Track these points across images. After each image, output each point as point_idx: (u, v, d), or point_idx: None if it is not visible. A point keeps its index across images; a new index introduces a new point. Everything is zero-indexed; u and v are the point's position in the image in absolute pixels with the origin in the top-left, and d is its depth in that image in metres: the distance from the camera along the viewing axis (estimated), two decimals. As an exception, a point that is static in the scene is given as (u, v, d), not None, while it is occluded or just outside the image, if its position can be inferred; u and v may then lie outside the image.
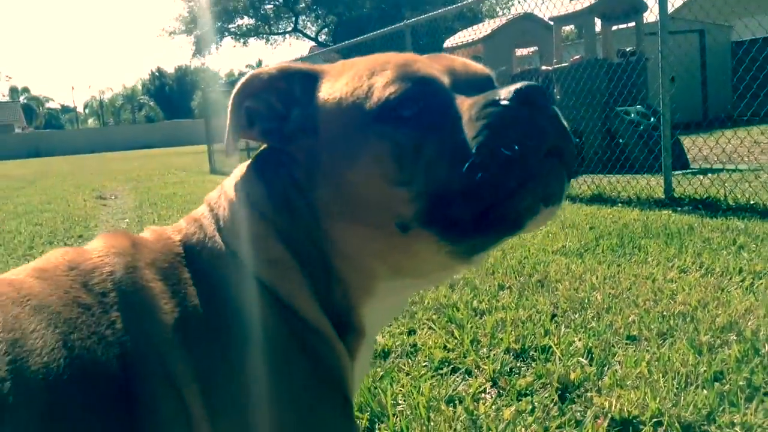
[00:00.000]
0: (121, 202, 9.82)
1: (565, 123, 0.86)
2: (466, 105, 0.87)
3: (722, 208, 4.89)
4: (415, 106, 0.87)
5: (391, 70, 0.90)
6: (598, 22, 9.36)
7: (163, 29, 35.35)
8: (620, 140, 8.48)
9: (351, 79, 0.93)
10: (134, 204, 9.24)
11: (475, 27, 10.65)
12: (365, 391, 2.06)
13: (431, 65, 0.94)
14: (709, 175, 5.77)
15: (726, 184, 5.29)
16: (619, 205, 5.57)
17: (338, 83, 0.95)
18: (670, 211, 5.00)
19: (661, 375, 2.04)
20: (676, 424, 1.74)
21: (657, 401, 1.84)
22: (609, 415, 1.82)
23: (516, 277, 3.36)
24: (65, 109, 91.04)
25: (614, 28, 9.78)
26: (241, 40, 34.70)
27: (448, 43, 10.60)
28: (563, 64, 9.06)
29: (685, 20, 16.50)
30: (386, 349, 2.50)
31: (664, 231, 4.20)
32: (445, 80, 0.92)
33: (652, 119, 8.35)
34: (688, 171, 7.06)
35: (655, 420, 1.78)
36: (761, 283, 2.92)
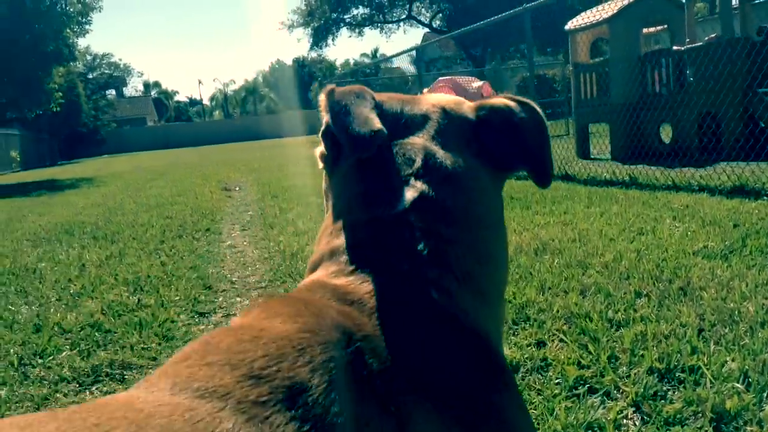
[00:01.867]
0: (244, 194, 10.12)
1: None
2: None
3: None
4: None
5: None
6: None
7: (281, 23, 36.10)
8: (762, 124, 7.84)
9: None
10: (257, 196, 9.49)
11: (600, 7, 10.11)
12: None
13: None
14: None
15: None
16: (765, 198, 5.11)
17: None
18: (826, 206, 4.53)
19: (836, 408, 1.79)
20: None
21: (836, 443, 1.61)
22: (777, 456, 1.61)
23: (654, 283, 3.11)
24: (192, 102, 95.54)
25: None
26: (357, 30, 35.04)
27: (571, 24, 10.14)
28: (697, 44, 8.45)
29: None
30: (514, 362, 2.36)
31: (822, 230, 3.79)
32: None
33: (799, 101, 7.64)
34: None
35: (834, 466, 1.55)
36: None
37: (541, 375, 2.26)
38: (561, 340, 2.55)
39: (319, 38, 35.39)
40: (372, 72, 34.16)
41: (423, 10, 34.83)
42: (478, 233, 0.80)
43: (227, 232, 6.32)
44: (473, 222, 0.80)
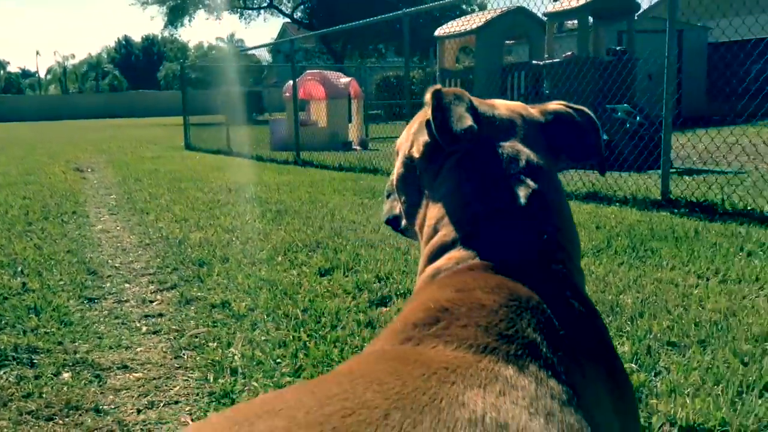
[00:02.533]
0: (100, 176, 9.66)
1: None
2: None
3: (719, 212, 5.03)
4: None
5: None
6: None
7: (135, -2, 34.33)
8: (606, 137, 8.64)
9: None
10: (116, 179, 9.10)
11: (467, 18, 10.65)
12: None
13: None
14: (695, 176, 5.93)
15: (712, 188, 5.43)
16: (617, 204, 5.69)
17: None
18: (669, 213, 5.13)
19: (713, 383, 2.12)
20: (742, 435, 1.83)
21: (721, 410, 1.92)
22: (676, 423, 1.89)
23: (540, 277, 3.42)
24: (25, 73, 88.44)
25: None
26: (215, 13, 34.13)
27: (440, 32, 10.59)
28: (555, 60, 9.15)
29: (663, 20, 16.72)
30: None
31: (672, 235, 4.31)
32: None
33: (638, 117, 8.50)
34: (674, 171, 7.21)
35: (721, 429, 1.86)
36: (781, 293, 3.04)
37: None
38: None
39: (175, 17, 34.06)
40: (228, 58, 33.41)
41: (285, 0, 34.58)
42: (566, 220, 0.95)
43: (95, 215, 6.05)
44: (562, 211, 0.96)
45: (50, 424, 2.06)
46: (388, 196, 1.27)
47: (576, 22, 9.66)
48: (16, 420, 2.06)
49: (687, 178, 6.18)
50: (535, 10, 9.78)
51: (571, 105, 1.08)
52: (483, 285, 0.80)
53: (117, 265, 4.19)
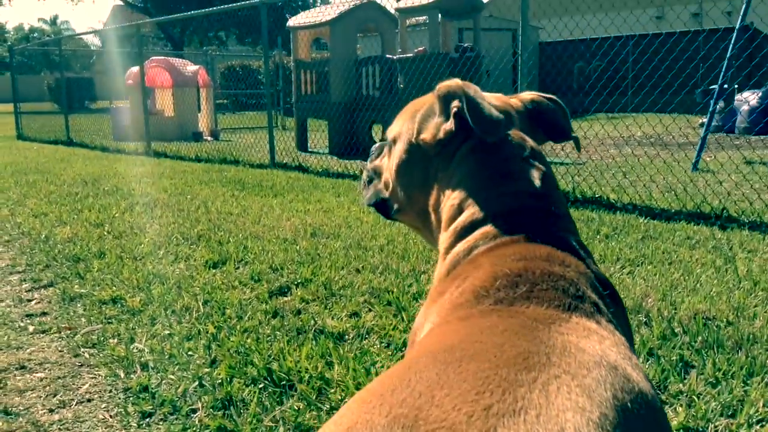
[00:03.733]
0: None
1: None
2: None
3: (570, 199, 5.50)
4: None
5: None
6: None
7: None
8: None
9: None
10: (-56, 172, 8.28)
11: (320, 9, 10.72)
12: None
13: None
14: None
15: (564, 177, 5.94)
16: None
17: None
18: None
19: (603, 350, 2.39)
20: (637, 391, 2.09)
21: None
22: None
23: (426, 262, 3.61)
24: None
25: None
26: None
27: (293, 22, 10.56)
28: (408, 54, 9.46)
29: (498, 18, 17.79)
30: (340, 332, 2.64)
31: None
32: None
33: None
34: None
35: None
36: (640, 270, 3.43)
37: (368, 340, 2.57)
38: (371, 311, 2.88)
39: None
40: (54, 42, 31.11)
41: (117, -19, 32.70)
42: (560, 193, 1.12)
43: (-68, 211, 5.52)
44: (557, 185, 1.12)
45: (-38, 431, 1.94)
46: (370, 182, 1.36)
47: (425, 18, 10.03)
48: (-76, 430, 1.92)
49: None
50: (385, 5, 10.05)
51: (543, 94, 1.25)
52: (537, 255, 0.93)
53: (-24, 264, 3.89)
